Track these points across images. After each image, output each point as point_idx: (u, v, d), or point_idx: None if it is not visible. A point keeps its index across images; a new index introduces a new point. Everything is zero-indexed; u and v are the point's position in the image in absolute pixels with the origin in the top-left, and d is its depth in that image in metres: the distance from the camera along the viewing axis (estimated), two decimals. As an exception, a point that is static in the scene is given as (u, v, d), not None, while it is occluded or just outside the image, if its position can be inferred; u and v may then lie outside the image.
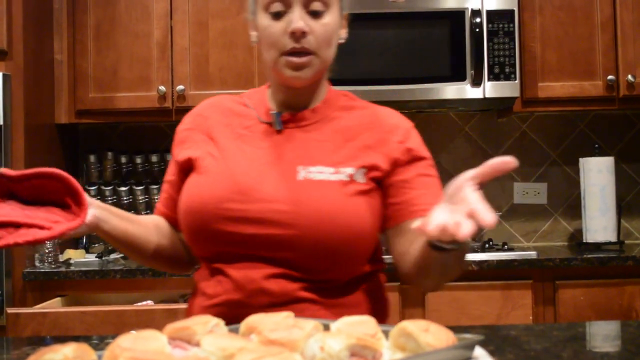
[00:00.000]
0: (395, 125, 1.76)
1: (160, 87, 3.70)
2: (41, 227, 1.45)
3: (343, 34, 1.78)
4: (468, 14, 3.56)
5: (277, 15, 1.68)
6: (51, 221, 1.47)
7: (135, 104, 3.73)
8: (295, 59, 1.67)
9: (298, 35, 1.66)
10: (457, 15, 3.57)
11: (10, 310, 2.16)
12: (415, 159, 1.73)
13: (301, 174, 1.65)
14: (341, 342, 1.06)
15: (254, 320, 1.19)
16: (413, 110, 3.93)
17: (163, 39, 3.73)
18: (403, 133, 1.74)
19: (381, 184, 1.70)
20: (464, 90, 3.56)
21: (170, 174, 1.84)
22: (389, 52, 3.57)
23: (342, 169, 1.66)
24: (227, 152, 1.72)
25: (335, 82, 1.84)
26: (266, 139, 1.73)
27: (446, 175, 1.43)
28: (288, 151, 1.70)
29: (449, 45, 3.58)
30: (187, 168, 1.77)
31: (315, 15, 1.69)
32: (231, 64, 3.73)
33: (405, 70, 3.57)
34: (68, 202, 1.52)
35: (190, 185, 1.72)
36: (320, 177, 1.65)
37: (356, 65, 3.52)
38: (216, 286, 1.65)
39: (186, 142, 1.80)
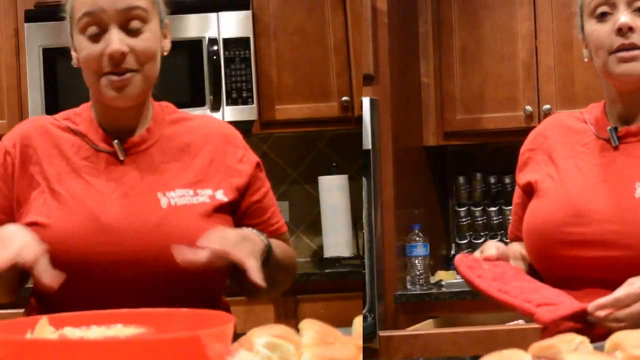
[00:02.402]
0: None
1: (526, 107, 3.71)
2: None
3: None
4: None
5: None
6: None
7: (502, 125, 3.77)
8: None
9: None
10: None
11: (382, 334, 2.10)
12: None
13: (638, 191, 1.60)
14: None
15: (619, 337, 1.13)
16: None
17: (528, 59, 3.74)
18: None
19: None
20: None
21: (517, 196, 1.86)
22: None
23: None
24: (565, 173, 1.70)
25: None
26: (601, 155, 1.68)
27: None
28: (625, 167, 1.65)
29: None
30: (528, 192, 1.77)
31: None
32: (596, 83, 3.62)
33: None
34: None
35: (530, 211, 1.73)
36: None
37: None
38: None
39: (527, 165, 1.81)
